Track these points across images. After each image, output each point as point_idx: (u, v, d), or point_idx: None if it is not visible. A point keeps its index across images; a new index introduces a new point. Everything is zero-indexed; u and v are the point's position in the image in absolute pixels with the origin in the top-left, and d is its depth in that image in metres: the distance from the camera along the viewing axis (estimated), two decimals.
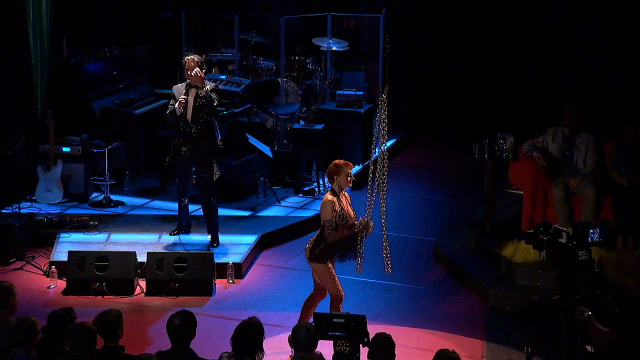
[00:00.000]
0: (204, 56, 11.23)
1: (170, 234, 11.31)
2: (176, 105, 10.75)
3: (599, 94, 13.58)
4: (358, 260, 8.80)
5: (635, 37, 13.50)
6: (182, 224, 11.40)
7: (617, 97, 13.43)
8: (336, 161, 8.87)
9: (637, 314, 6.65)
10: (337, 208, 8.61)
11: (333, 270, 8.79)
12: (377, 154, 8.95)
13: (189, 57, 10.83)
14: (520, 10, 14.62)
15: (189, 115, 10.77)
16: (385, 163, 8.86)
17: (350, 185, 8.82)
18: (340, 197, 8.70)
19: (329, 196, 8.70)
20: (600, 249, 9.60)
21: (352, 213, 8.76)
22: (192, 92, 10.78)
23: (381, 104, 8.95)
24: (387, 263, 9.01)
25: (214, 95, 10.77)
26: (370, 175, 8.89)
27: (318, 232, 8.77)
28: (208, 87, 10.85)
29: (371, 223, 8.70)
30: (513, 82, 14.56)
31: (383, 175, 8.85)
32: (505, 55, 14.71)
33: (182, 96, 10.73)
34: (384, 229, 8.93)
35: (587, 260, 7.48)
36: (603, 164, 11.10)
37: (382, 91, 8.98)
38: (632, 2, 13.56)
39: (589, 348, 7.33)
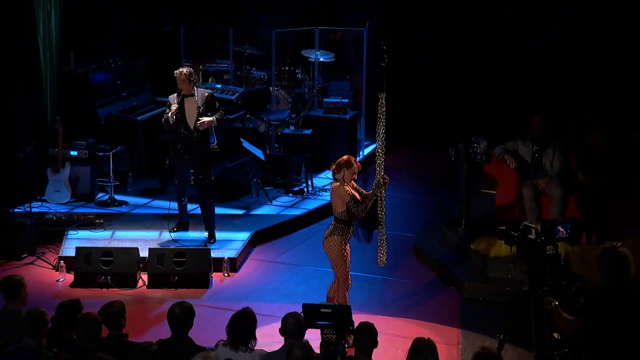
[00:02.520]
0: (201, 66, 11.21)
1: (170, 231, 11.29)
2: (169, 114, 10.74)
3: (565, 102, 13.62)
4: (381, 225, 8.82)
5: (596, 54, 13.57)
6: (181, 221, 11.40)
7: (581, 105, 13.48)
8: (350, 157, 8.87)
9: (600, 304, 6.66)
10: (348, 191, 8.63)
11: (348, 259, 8.84)
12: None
13: (177, 72, 10.79)
14: (495, 27, 14.63)
15: (190, 123, 10.76)
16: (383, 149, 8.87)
17: (353, 182, 8.81)
18: (347, 187, 8.72)
19: (335, 183, 8.72)
20: (566, 244, 9.58)
21: (357, 195, 8.76)
22: (189, 101, 10.76)
23: (380, 107, 8.96)
24: (381, 254, 9.00)
25: (218, 115, 10.81)
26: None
27: (333, 221, 8.78)
28: (206, 94, 10.86)
29: (385, 177, 8.70)
30: (487, 91, 14.58)
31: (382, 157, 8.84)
32: (480, 67, 14.73)
33: (173, 106, 10.71)
34: (383, 223, 8.93)
35: (554, 255, 7.50)
36: (569, 166, 11.12)
37: (381, 97, 9.00)
38: (596, 20, 13.61)
39: (556, 335, 7.35)
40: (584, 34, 13.78)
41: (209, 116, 10.76)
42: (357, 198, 8.67)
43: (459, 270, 10.60)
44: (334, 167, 8.83)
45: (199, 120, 10.68)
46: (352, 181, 8.83)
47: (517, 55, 14.48)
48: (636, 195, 10.96)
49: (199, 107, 10.75)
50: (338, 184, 8.73)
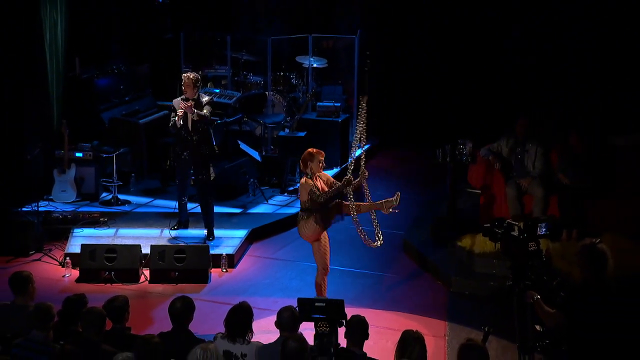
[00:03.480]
0: (200, 72, 11.23)
1: (170, 229, 11.29)
2: (176, 118, 10.75)
3: (547, 106, 13.63)
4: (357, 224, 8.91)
5: (576, 60, 13.59)
6: (181, 220, 11.40)
7: (562, 109, 13.49)
8: (310, 150, 9.01)
9: (579, 297, 6.68)
10: (313, 183, 8.79)
11: (327, 247, 8.99)
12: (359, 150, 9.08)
13: (185, 75, 10.85)
14: (479, 36, 14.64)
15: (189, 126, 10.77)
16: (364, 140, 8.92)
17: (322, 171, 8.96)
18: (315, 180, 8.80)
19: (303, 179, 8.89)
20: (548, 240, 9.63)
21: (326, 189, 8.88)
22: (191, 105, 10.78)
23: (360, 110, 9.02)
24: (377, 236, 9.03)
25: (206, 110, 10.76)
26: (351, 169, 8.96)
27: (299, 212, 8.96)
28: (206, 98, 10.87)
29: (366, 173, 8.93)
30: (473, 95, 14.58)
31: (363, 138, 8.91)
32: (466, 72, 14.74)
33: (180, 110, 10.73)
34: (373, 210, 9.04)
35: (536, 251, 7.49)
36: (550, 167, 11.15)
37: (362, 100, 9.05)
38: (575, 30, 13.62)
39: (537, 327, 7.36)
40: (559, 41, 13.79)
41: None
42: (320, 188, 8.82)
43: (446, 265, 10.61)
44: (301, 164, 9.01)
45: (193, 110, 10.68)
46: (322, 171, 8.99)
47: (502, 63, 14.49)
48: (614, 195, 11.00)
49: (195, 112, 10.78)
50: (304, 179, 8.90)
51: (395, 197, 9.00)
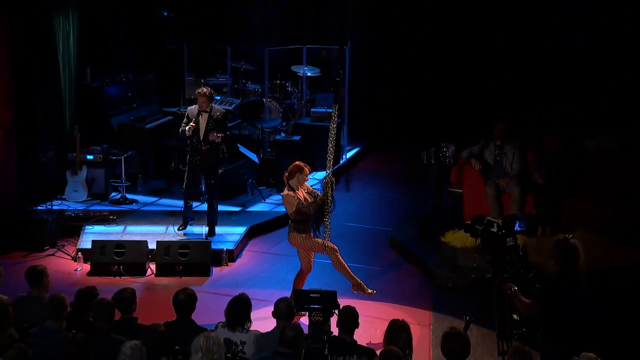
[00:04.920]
0: (202, 81, 11.23)
1: (177, 229, 11.24)
2: (187, 128, 10.73)
3: (523, 111, 13.65)
4: (326, 227, 8.87)
5: (550, 69, 13.62)
6: (186, 219, 11.36)
7: (537, 114, 13.51)
8: (298, 162, 8.98)
9: (553, 289, 6.70)
10: (299, 196, 8.77)
11: (313, 248, 8.96)
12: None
13: (201, 90, 10.86)
14: (460, 47, 14.65)
15: (201, 135, 10.78)
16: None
17: (306, 185, 8.94)
18: (298, 191, 8.78)
19: (286, 191, 8.84)
20: (524, 236, 9.63)
21: (310, 199, 8.86)
22: (203, 116, 10.78)
23: (333, 118, 8.99)
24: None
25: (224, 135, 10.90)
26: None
27: (290, 222, 8.91)
28: (219, 113, 10.91)
29: (332, 177, 8.86)
30: (455, 102, 14.59)
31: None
32: (448, 80, 14.74)
33: (192, 124, 10.72)
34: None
35: (513, 246, 7.52)
36: (526, 168, 11.16)
37: (333, 109, 9.04)
38: (550, 40, 13.65)
39: (515, 316, 7.39)
40: (535, 49, 13.82)
41: (219, 133, 10.79)
42: (306, 200, 8.78)
43: (431, 259, 10.61)
44: (286, 174, 8.91)
45: (211, 132, 10.71)
46: (305, 183, 8.94)
47: (483, 71, 14.50)
48: (584, 194, 11.02)
49: (210, 123, 10.78)
50: (285, 192, 8.85)
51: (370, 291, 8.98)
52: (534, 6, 13.68)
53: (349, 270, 9.06)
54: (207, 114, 10.79)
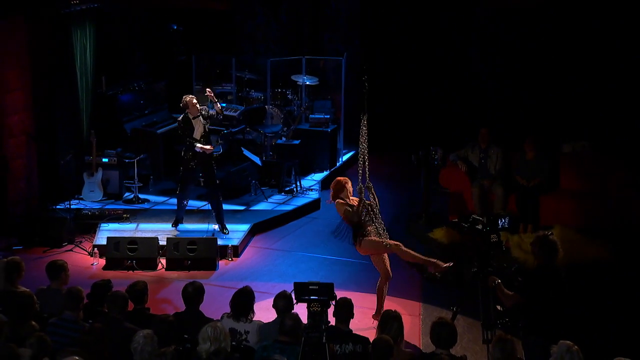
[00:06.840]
0: (207, 89, 11.19)
1: (172, 226, 11.19)
2: (199, 145, 10.66)
3: (505, 117, 13.66)
4: (381, 226, 8.58)
5: (532, 77, 13.62)
6: (178, 218, 11.29)
7: (519, 120, 13.52)
8: (339, 179, 8.67)
9: (534, 281, 6.69)
10: (345, 202, 8.53)
11: (385, 255, 8.63)
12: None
13: (189, 100, 10.75)
14: (448, 57, 14.65)
15: (197, 136, 10.75)
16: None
17: (351, 195, 8.62)
18: (348, 201, 8.58)
19: (340, 200, 8.55)
20: (507, 233, 9.65)
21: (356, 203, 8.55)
22: (196, 121, 10.73)
23: (362, 127, 8.77)
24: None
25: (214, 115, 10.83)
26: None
27: (352, 228, 8.60)
28: (204, 111, 10.81)
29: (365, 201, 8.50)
30: (443, 109, 14.58)
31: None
32: (436, 88, 14.73)
33: (209, 147, 10.69)
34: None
35: (497, 242, 7.52)
36: (509, 170, 11.17)
37: (363, 118, 8.86)
38: (529, 48, 13.67)
39: (498, 307, 7.38)
40: (517, 60, 13.82)
41: (209, 143, 10.77)
42: (352, 208, 8.48)
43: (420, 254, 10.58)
44: (332, 193, 8.63)
45: (202, 146, 10.65)
46: (352, 196, 8.68)
47: (468, 80, 14.50)
48: (562, 193, 11.03)
49: (204, 124, 10.77)
50: (337, 200, 8.59)
51: (446, 265, 8.51)
52: (509, 23, 13.75)
53: (421, 256, 8.62)
54: (199, 118, 10.74)
